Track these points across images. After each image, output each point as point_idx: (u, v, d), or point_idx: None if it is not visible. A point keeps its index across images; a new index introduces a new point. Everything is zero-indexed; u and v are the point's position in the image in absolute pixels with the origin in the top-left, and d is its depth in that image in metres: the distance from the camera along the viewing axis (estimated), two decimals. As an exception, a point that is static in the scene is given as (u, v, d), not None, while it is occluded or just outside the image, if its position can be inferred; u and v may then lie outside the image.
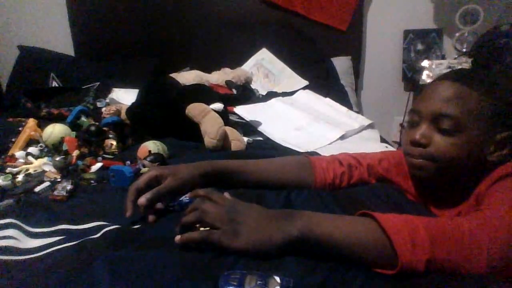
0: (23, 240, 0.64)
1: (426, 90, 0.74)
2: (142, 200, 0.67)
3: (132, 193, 0.68)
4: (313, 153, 1.16)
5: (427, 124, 0.71)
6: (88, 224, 0.70)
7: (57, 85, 2.17)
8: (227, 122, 1.29)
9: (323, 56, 2.27)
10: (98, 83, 2.04)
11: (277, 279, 0.50)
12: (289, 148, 1.29)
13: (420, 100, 0.74)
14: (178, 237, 0.58)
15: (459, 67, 1.88)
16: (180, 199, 0.72)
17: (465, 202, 0.72)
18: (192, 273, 0.53)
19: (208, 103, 1.26)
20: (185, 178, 0.73)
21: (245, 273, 0.51)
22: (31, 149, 1.08)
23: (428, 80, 1.99)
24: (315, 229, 0.55)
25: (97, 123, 1.23)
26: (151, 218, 0.69)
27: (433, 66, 1.98)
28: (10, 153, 1.08)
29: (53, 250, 0.62)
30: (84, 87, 2.01)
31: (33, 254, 0.61)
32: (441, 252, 0.52)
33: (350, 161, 0.87)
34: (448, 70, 1.88)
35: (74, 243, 0.63)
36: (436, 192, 0.79)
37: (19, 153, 1.05)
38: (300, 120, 1.52)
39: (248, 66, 2.22)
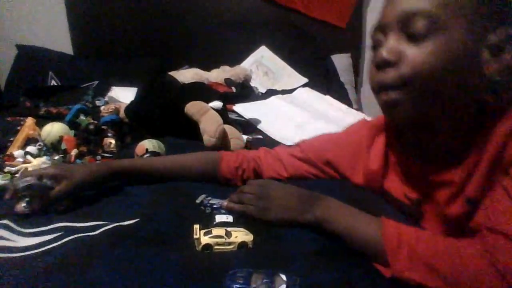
0: (16, 239, 0.64)
1: None
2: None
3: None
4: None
5: (395, 34, 0.55)
6: (87, 223, 0.69)
7: (55, 84, 2.16)
8: (226, 120, 1.29)
9: (323, 54, 2.27)
10: (97, 81, 2.03)
11: (283, 277, 0.50)
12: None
13: (384, 9, 0.58)
14: (225, 203, 0.71)
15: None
16: (212, 202, 0.77)
17: (470, 156, 0.55)
18: (195, 272, 0.53)
19: (207, 101, 1.25)
20: (79, 183, 0.74)
21: (251, 271, 0.51)
22: (30, 148, 1.07)
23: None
24: (328, 220, 0.61)
25: (96, 122, 1.22)
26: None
27: (433, 63, 1.97)
28: (8, 152, 1.08)
29: (53, 246, 0.61)
30: (82, 85, 2.01)
31: (31, 251, 0.60)
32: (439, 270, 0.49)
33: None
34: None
35: (73, 236, 0.63)
36: (427, 149, 0.63)
37: (17, 152, 1.05)
38: (299, 117, 1.51)
39: (247, 64, 2.22)
